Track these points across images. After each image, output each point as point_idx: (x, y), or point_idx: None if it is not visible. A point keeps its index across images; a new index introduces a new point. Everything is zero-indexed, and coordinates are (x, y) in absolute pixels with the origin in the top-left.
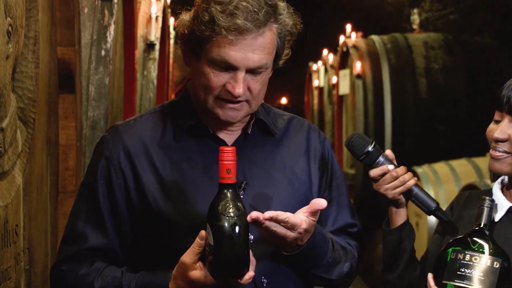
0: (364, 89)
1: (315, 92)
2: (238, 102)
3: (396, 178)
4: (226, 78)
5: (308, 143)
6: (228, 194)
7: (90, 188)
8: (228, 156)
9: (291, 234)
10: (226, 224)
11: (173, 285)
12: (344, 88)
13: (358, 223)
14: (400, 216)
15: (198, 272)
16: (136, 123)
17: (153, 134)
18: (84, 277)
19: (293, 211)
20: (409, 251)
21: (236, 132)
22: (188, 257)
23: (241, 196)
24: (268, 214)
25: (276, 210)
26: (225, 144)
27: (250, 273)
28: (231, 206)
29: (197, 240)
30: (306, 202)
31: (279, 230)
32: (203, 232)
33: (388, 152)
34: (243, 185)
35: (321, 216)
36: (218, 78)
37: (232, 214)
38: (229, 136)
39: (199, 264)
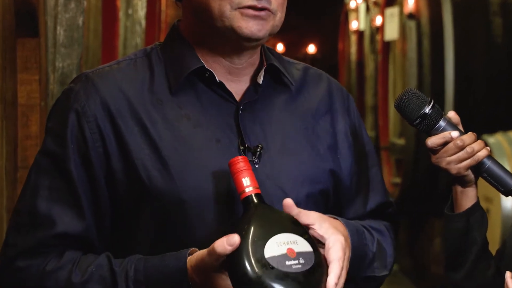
0: (418, 33)
1: (353, 38)
2: (262, 9)
3: (462, 148)
4: None
5: (331, 100)
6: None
7: (55, 156)
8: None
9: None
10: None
11: (192, 274)
12: (392, 32)
13: (393, 201)
14: (467, 198)
15: (226, 281)
16: (112, 70)
17: (137, 85)
18: (54, 272)
19: (319, 185)
20: (479, 243)
21: (244, 81)
22: (208, 258)
23: (256, 166)
24: None
25: (298, 182)
26: (233, 97)
27: None
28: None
29: (226, 246)
30: (333, 175)
31: None
32: (233, 238)
33: (452, 114)
34: (258, 150)
35: (346, 198)
36: None
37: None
38: (236, 86)
39: (226, 273)
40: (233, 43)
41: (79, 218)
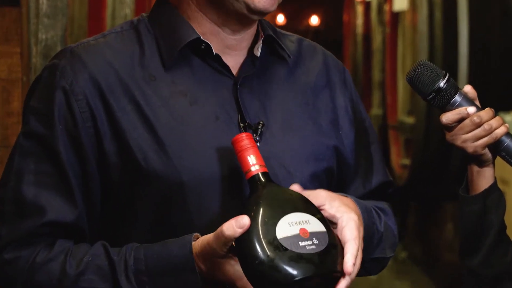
0: (429, 4)
1: (359, 9)
2: None
3: (478, 124)
4: None
5: (328, 73)
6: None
7: (40, 138)
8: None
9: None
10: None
11: (197, 261)
12: (401, 3)
13: (392, 180)
14: (484, 178)
15: (234, 267)
16: (99, 44)
17: (127, 59)
18: (45, 264)
19: (324, 163)
20: (497, 227)
21: (241, 54)
22: (214, 243)
23: (258, 144)
24: None
25: (302, 160)
26: (230, 71)
27: None
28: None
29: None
30: (336, 152)
31: None
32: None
33: (468, 88)
34: (259, 127)
35: (347, 176)
36: None
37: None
38: (232, 59)
39: (235, 259)
40: (239, 15)
41: (70, 205)
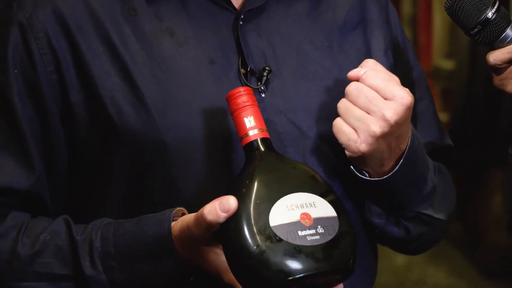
0: None
1: None
2: None
3: None
4: None
5: (364, 9)
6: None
7: None
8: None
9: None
10: None
11: (176, 246)
12: None
13: (450, 141)
14: None
15: (220, 258)
16: None
17: None
18: None
19: None
20: None
21: None
22: (195, 227)
23: (262, 95)
24: None
25: (319, 117)
26: (231, 4)
27: None
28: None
29: (218, 212)
30: None
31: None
32: (226, 203)
33: None
34: (265, 74)
35: None
36: None
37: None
38: None
39: (220, 247)
40: None
41: (26, 168)
